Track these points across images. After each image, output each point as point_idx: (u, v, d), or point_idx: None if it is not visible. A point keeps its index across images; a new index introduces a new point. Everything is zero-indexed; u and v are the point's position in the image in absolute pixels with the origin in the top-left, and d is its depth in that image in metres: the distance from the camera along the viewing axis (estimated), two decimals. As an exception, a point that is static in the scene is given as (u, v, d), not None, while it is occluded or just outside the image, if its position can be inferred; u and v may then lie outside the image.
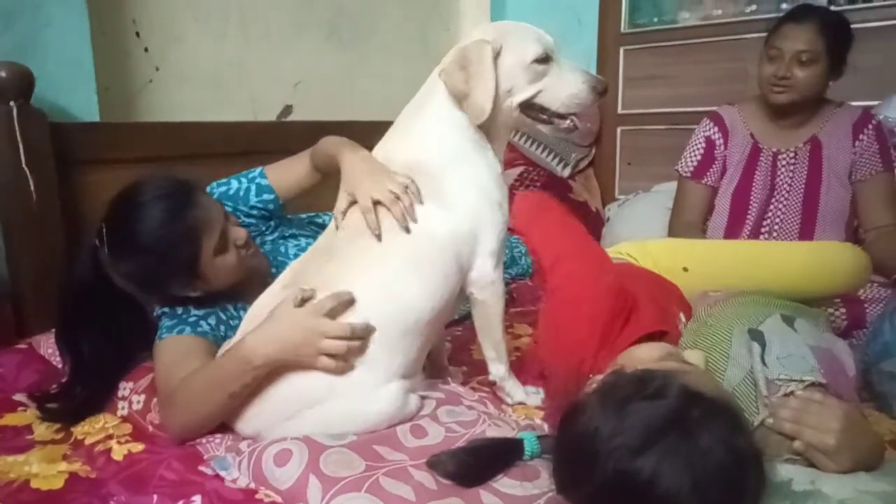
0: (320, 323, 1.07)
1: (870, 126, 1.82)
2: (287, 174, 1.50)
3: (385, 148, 1.29)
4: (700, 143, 2.02)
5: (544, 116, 1.26)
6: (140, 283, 1.25)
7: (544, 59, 1.21)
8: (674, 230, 2.05)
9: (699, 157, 2.01)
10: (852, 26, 2.37)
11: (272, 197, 1.50)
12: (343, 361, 1.09)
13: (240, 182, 1.49)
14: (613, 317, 1.08)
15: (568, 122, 1.25)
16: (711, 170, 2.00)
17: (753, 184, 1.93)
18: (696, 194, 2.02)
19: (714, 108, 2.09)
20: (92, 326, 1.27)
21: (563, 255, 1.15)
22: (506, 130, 1.30)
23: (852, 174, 1.83)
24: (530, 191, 1.27)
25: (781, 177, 1.89)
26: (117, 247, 1.22)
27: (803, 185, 1.86)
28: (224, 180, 1.50)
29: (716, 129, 2.01)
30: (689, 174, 2.03)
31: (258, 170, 1.51)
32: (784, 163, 1.89)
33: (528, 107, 1.24)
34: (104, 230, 1.22)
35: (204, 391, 1.11)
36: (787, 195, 1.88)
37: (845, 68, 1.80)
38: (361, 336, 1.10)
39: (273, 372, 1.10)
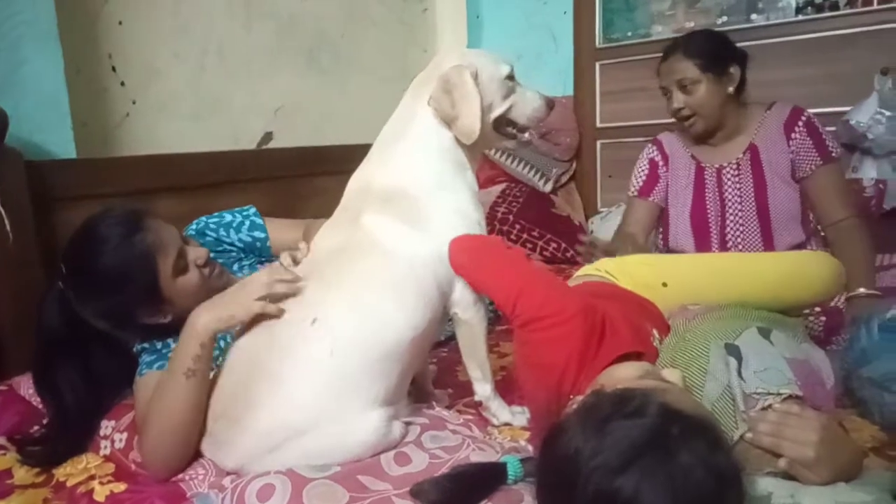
0: (252, 278, 1.16)
1: (800, 122, 1.83)
2: (283, 231, 1.57)
3: (363, 174, 1.31)
4: (644, 164, 2.08)
5: (512, 130, 1.36)
6: (109, 317, 1.25)
7: (512, 77, 1.32)
8: (612, 239, 2.09)
9: (644, 177, 2.07)
10: (821, 34, 2.44)
11: (263, 236, 1.54)
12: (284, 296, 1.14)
13: (233, 216, 1.54)
14: (588, 335, 1.08)
15: (527, 134, 1.39)
16: (657, 188, 2.05)
17: (706, 202, 1.95)
18: (640, 210, 2.07)
19: (659, 134, 2.13)
20: (69, 369, 1.27)
21: (522, 288, 1.14)
22: (482, 148, 1.38)
23: (795, 173, 1.84)
24: (462, 235, 1.25)
25: (729, 190, 1.92)
26: (78, 285, 1.23)
27: (752, 194, 1.88)
28: (217, 213, 1.54)
29: (657, 151, 2.06)
30: (635, 193, 2.09)
31: (252, 209, 1.57)
32: (729, 176, 1.92)
33: (498, 122, 1.34)
34: (64, 271, 1.24)
35: (166, 390, 1.12)
36: (738, 206, 1.90)
37: (734, 72, 1.83)
38: (295, 279, 1.16)
39: (254, 403, 1.10)
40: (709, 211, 1.94)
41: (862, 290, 1.62)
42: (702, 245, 1.95)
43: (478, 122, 1.23)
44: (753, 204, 1.88)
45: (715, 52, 1.83)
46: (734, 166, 1.91)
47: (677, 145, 2.03)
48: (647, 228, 2.07)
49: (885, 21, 2.35)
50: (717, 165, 1.94)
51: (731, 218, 1.91)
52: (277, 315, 1.13)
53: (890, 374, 1.20)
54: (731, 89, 1.84)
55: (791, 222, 1.85)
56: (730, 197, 1.91)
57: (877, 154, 2.23)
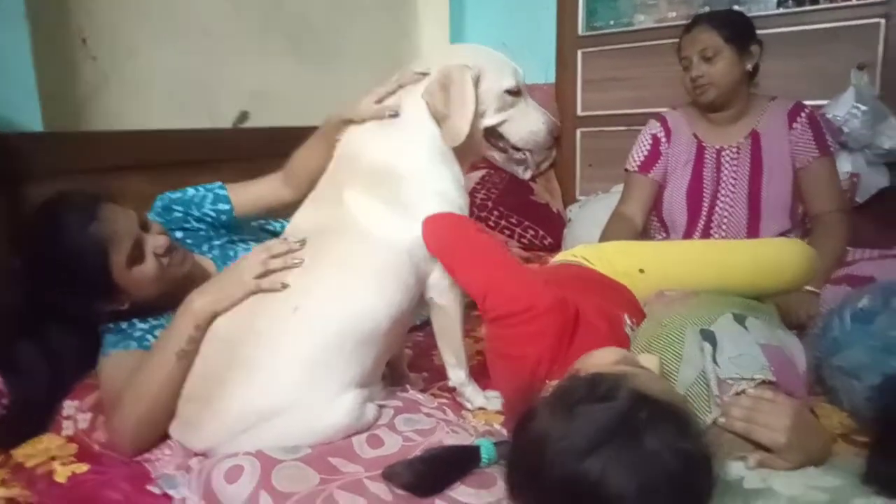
0: (246, 257, 1.17)
1: (803, 114, 1.89)
2: (249, 189, 1.52)
3: (355, 141, 1.29)
4: (647, 140, 2.09)
5: (502, 145, 1.31)
6: (66, 301, 1.22)
7: (515, 93, 1.27)
8: (608, 220, 2.10)
9: (646, 153, 2.08)
10: (801, 28, 2.47)
11: (227, 208, 1.49)
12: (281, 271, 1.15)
13: (196, 190, 1.49)
14: (561, 331, 1.07)
15: (521, 154, 1.33)
16: (657, 164, 2.06)
17: (703, 180, 1.98)
18: (641, 186, 2.08)
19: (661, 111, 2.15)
20: (28, 345, 1.23)
21: (492, 282, 1.13)
22: (468, 152, 1.33)
23: (794, 162, 1.89)
24: (438, 213, 1.23)
25: (726, 172, 1.95)
26: (32, 268, 1.19)
27: (747, 178, 1.92)
28: (180, 189, 1.49)
29: (660, 127, 2.08)
30: (636, 168, 2.09)
31: (218, 183, 1.52)
32: (728, 158, 1.96)
33: (490, 132, 1.29)
34: (21, 252, 1.21)
35: (152, 363, 1.11)
36: (732, 189, 1.94)
37: (755, 50, 1.89)
38: (298, 248, 1.17)
39: (227, 386, 1.08)
40: (704, 190, 1.97)
41: (807, 287, 1.58)
42: (693, 221, 1.98)
43: (467, 126, 1.20)
44: (746, 188, 1.92)
45: (739, 26, 1.88)
46: (734, 149, 1.94)
47: (681, 122, 2.05)
48: (646, 206, 2.08)
49: (862, 16, 2.37)
50: (717, 146, 1.97)
51: (722, 199, 1.95)
52: (278, 289, 1.13)
53: (860, 363, 1.21)
54: (749, 67, 1.88)
55: (780, 211, 1.89)
56: (725, 179, 1.95)
57: (852, 148, 2.26)
